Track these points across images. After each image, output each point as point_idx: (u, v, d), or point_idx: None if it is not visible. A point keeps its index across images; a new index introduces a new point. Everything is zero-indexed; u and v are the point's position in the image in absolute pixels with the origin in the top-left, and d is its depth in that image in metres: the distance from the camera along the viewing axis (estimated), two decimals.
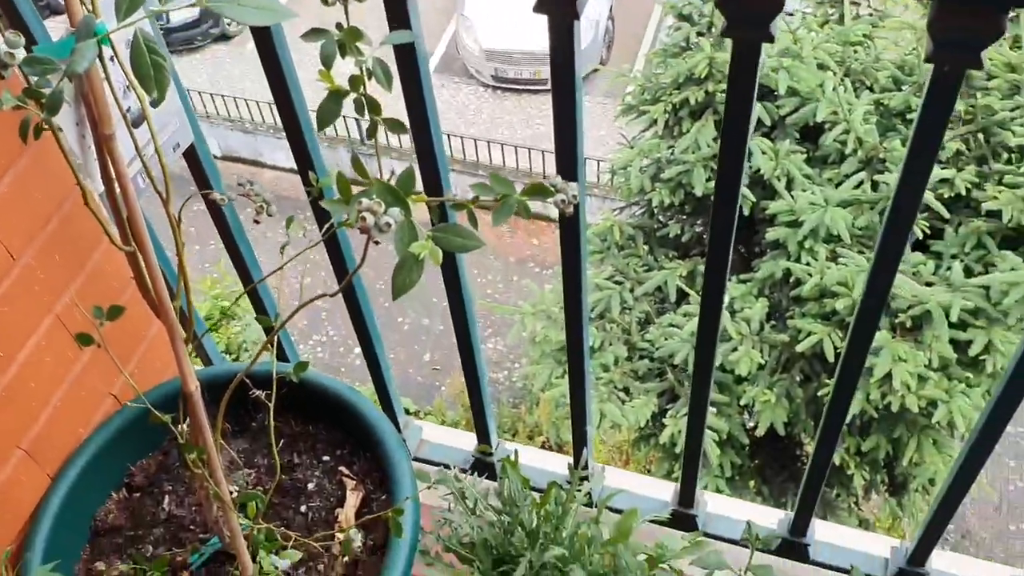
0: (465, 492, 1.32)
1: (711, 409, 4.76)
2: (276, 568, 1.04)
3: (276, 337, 1.42)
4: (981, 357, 3.85)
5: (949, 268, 3.96)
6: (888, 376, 3.88)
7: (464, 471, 1.45)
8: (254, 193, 0.78)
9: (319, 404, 1.34)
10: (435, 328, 9.10)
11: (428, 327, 9.20)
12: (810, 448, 5.04)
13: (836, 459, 4.57)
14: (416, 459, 1.59)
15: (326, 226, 0.93)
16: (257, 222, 0.79)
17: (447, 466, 1.38)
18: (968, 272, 3.98)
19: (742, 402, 4.68)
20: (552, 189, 0.68)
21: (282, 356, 1.56)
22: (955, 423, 4.07)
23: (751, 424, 4.99)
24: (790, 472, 5.25)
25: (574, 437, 1.39)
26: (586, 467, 1.33)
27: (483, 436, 1.47)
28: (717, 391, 4.82)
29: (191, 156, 1.19)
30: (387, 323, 9.23)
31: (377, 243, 0.66)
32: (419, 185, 1.06)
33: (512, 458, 1.30)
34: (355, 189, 0.69)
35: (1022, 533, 6.51)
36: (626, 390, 5.14)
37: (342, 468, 1.31)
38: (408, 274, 0.64)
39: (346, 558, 1.22)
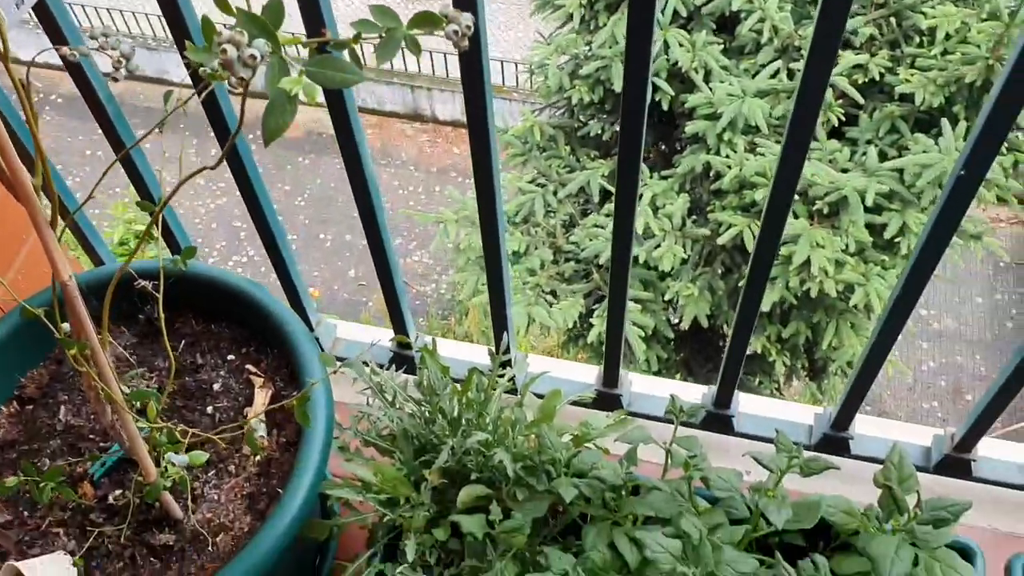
0: (383, 385, 1.27)
1: (635, 306, 4.80)
2: (175, 466, 0.98)
3: (164, 227, 1.32)
4: (896, 240, 3.93)
5: (864, 153, 4.00)
6: (807, 263, 3.94)
7: (382, 367, 1.39)
8: (111, 46, 0.69)
9: (221, 302, 1.27)
10: (358, 244, 8.95)
11: (351, 243, 9.05)
12: None
13: (757, 347, 4.67)
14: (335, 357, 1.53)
15: (200, 86, 0.84)
16: (115, 79, 0.70)
17: (364, 363, 1.32)
18: (883, 156, 4.03)
19: (666, 297, 4.72)
20: (443, 18, 0.61)
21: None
22: (872, 306, 4.17)
23: (676, 319, 5.06)
24: (715, 363, 5.34)
25: (494, 322, 1.34)
26: (508, 351, 1.29)
27: (400, 328, 1.42)
28: (642, 288, 4.85)
29: (41, 11, 1.03)
30: (309, 240, 9.05)
31: (244, 84, 0.58)
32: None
33: (430, 347, 1.24)
34: None
35: (935, 411, 6.82)
36: (553, 293, 5.14)
37: (249, 366, 1.24)
38: (280, 116, 0.57)
39: (257, 456, 1.16)
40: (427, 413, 1.22)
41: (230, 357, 1.25)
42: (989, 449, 1.36)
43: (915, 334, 7.02)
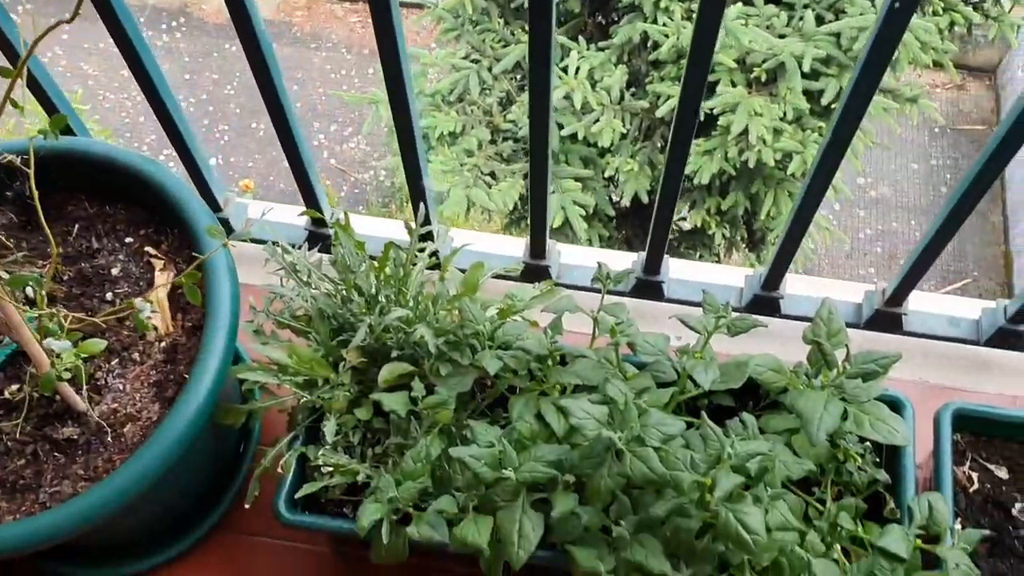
0: (296, 265, 1.20)
1: (576, 184, 4.73)
2: (54, 352, 0.91)
3: (46, 103, 1.22)
4: (832, 105, 3.89)
5: (801, 18, 3.91)
6: (744, 132, 3.90)
7: (295, 247, 1.31)
8: None
9: (116, 181, 1.18)
10: None
11: None
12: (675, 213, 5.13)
13: (697, 220, 4.67)
14: (247, 240, 1.45)
15: None
16: None
17: (275, 243, 1.25)
18: (819, 20, 3.94)
19: (607, 174, 4.66)
20: None
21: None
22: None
23: (617, 196, 5.01)
24: None
25: (411, 193, 1.27)
26: (428, 224, 1.22)
27: (311, 203, 1.34)
28: (581, 165, 4.78)
29: None
30: (241, 131, 8.73)
31: None
32: None
33: (343, 222, 1.17)
34: None
35: (871, 277, 6.96)
36: (492, 174, 5.04)
37: (148, 248, 1.16)
38: None
39: (163, 343, 1.10)
40: (343, 292, 1.16)
41: (128, 240, 1.17)
42: (919, 303, 1.35)
43: (852, 202, 7.09)
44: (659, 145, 4.67)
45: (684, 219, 5.07)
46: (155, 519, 1.21)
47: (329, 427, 1.08)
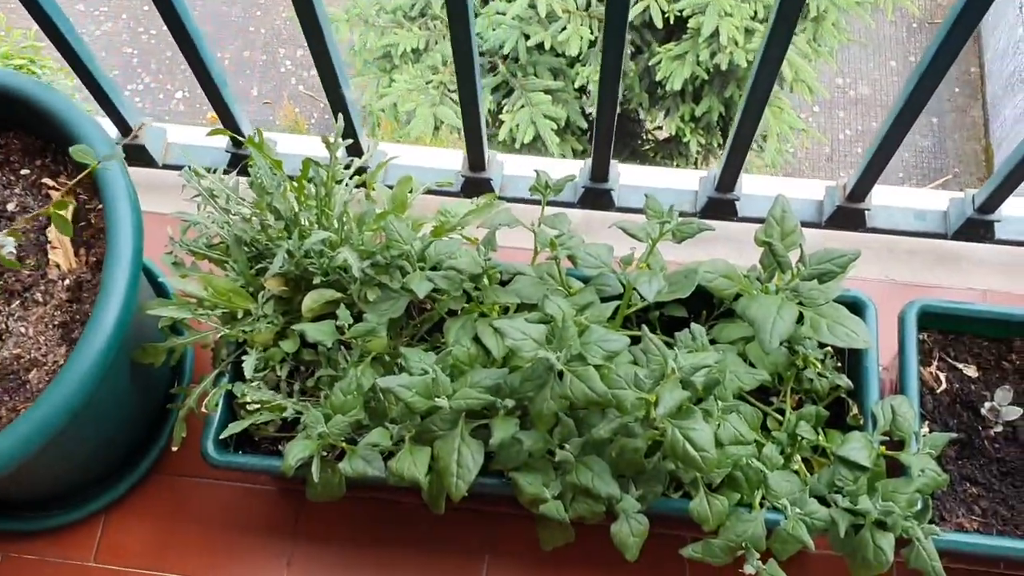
0: (214, 190, 1.11)
1: (546, 97, 4.60)
2: None
3: None
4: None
5: None
6: (715, 34, 3.76)
7: (214, 171, 1.22)
8: None
9: (7, 108, 1.07)
10: (258, 60, 8.43)
11: (250, 59, 8.52)
12: (648, 123, 5.01)
13: (671, 128, 4.55)
14: (165, 166, 1.36)
15: None
16: None
17: (191, 168, 1.16)
18: None
19: (576, 85, 4.52)
20: None
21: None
22: (783, 74, 4.04)
23: (588, 107, 4.89)
24: (631, 149, 5.23)
25: (331, 104, 1.17)
26: (354, 138, 1.13)
27: (227, 122, 1.24)
28: (551, 77, 4.63)
29: None
30: None
31: None
32: None
33: (256, 138, 1.08)
34: None
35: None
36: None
37: (46, 180, 1.07)
38: None
39: (66, 280, 1.01)
40: (261, 216, 1.08)
41: (24, 171, 1.08)
42: (883, 197, 1.28)
43: (832, 103, 6.96)
44: (629, 52, 4.52)
45: (659, 128, 4.95)
46: (80, 467, 1.14)
47: (249, 362, 1.00)
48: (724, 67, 3.91)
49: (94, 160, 0.90)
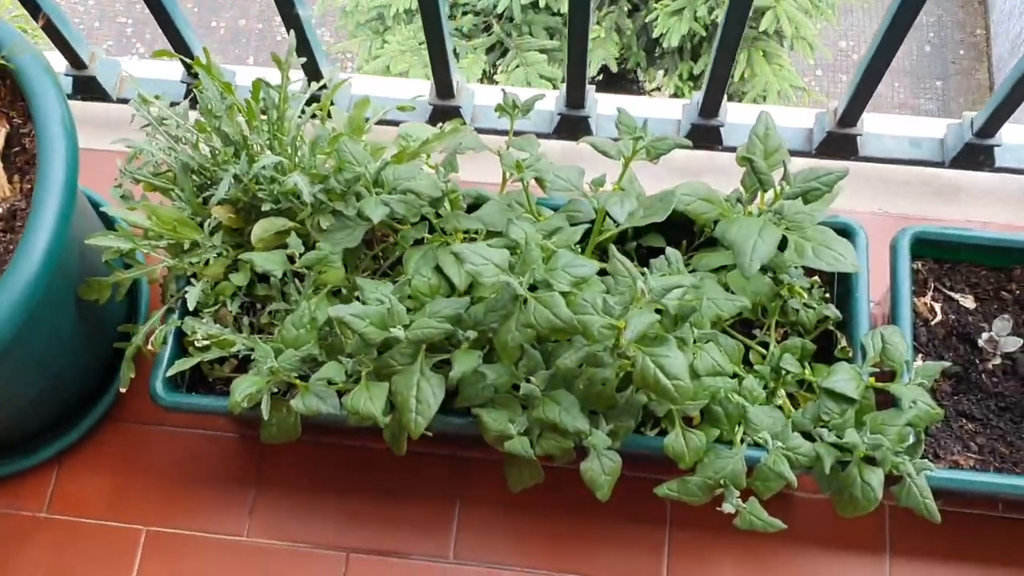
0: (164, 118, 1.04)
1: (541, 57, 4.51)
2: None
3: None
4: None
5: None
6: None
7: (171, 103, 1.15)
8: None
9: None
10: (253, 29, 8.31)
11: (246, 28, 8.40)
12: (647, 83, 4.91)
13: (670, 88, 4.46)
14: (119, 100, 1.29)
15: None
16: None
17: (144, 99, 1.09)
18: None
19: None
20: None
21: None
22: (783, 30, 3.96)
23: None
24: None
25: (283, 18, 1.09)
26: (310, 59, 1.05)
27: (181, 49, 1.16)
28: (547, 36, 4.54)
29: None
30: (202, 31, 8.37)
31: None
32: None
33: (203, 59, 1.01)
34: None
35: None
36: (454, 52, 4.80)
37: None
38: None
39: None
40: (210, 142, 1.01)
41: None
42: (877, 124, 1.21)
43: (834, 66, 6.84)
44: (626, 9, 4.42)
45: (658, 89, 4.85)
46: (26, 411, 1.09)
47: (192, 293, 0.94)
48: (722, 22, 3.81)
49: (55, 85, 0.83)
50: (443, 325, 0.87)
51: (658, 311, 0.83)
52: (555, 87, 4.49)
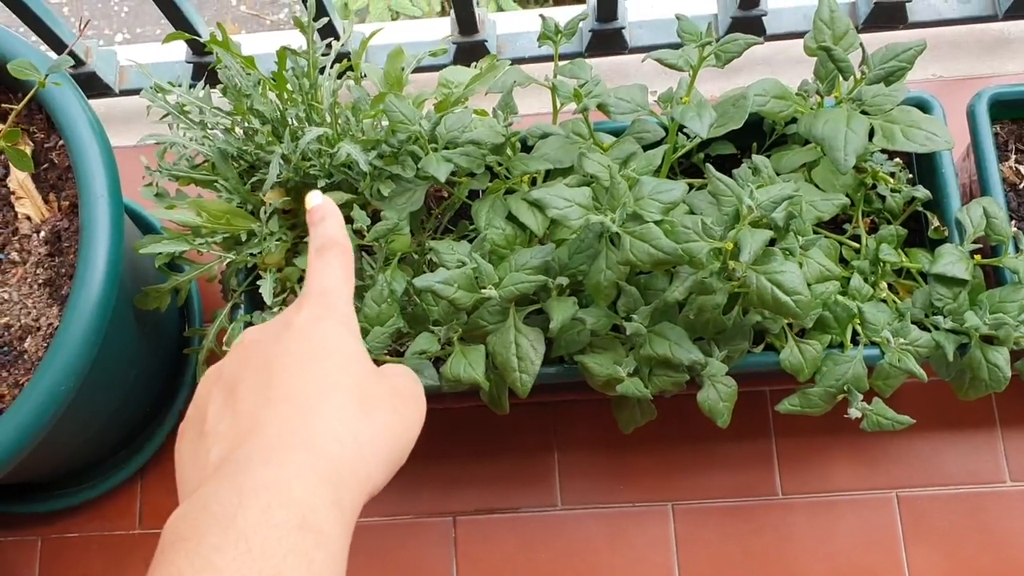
0: (184, 104, 0.97)
1: None
2: None
3: None
4: None
5: None
6: None
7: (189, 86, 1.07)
8: None
9: None
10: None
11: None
12: None
13: None
14: (123, 92, 1.21)
15: None
16: None
17: (159, 89, 1.01)
18: None
19: None
20: None
21: None
22: None
23: None
24: None
25: None
26: (324, 16, 0.98)
27: (183, 26, 1.09)
28: None
29: None
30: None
31: None
32: None
33: (219, 37, 0.94)
34: None
35: None
36: None
37: None
38: None
39: (41, 233, 0.89)
40: (243, 124, 0.94)
41: None
42: None
43: None
44: None
45: None
46: (104, 432, 1.05)
47: (266, 287, 0.89)
48: None
49: (40, 75, 0.76)
50: (535, 277, 0.83)
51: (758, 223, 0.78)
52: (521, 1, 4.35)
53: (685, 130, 0.93)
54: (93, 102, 1.23)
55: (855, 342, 0.90)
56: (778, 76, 0.95)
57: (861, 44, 0.86)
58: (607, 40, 1.15)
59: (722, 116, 0.88)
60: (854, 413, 0.86)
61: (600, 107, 0.90)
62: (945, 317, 0.87)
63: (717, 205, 0.79)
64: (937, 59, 1.19)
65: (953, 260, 0.88)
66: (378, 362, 0.87)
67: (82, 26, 0.94)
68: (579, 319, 0.86)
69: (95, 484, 1.12)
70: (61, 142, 0.90)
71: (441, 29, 1.22)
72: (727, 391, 0.86)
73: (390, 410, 0.50)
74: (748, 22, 1.13)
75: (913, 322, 0.89)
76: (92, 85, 1.18)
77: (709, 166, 0.80)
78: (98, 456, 1.12)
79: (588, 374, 0.88)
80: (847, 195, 0.96)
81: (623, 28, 1.13)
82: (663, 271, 0.86)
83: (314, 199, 0.60)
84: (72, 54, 1.15)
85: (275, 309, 0.93)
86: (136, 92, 1.19)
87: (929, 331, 0.88)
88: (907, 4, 1.11)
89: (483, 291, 0.83)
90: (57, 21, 1.09)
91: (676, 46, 0.90)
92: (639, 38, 1.16)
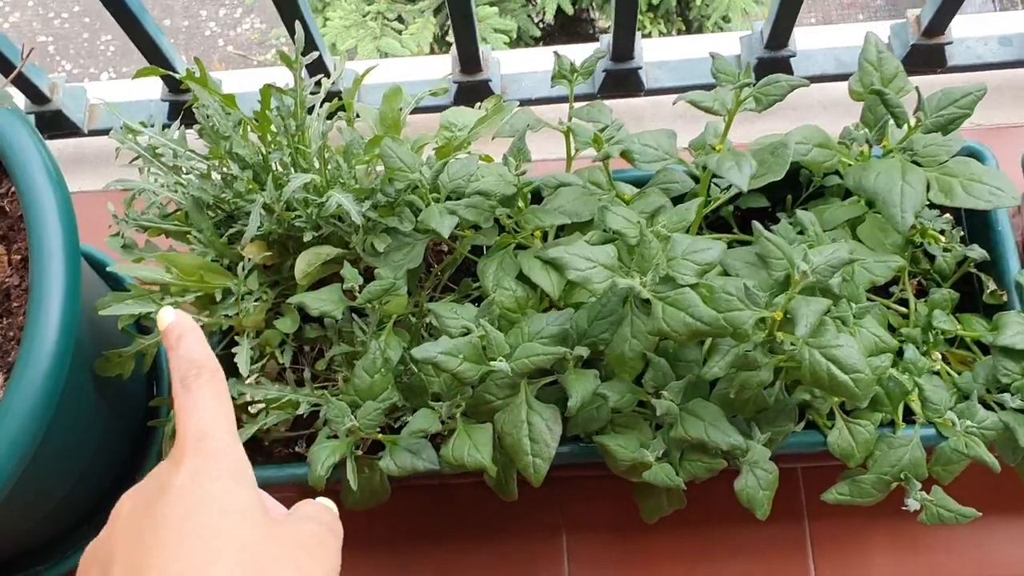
0: (156, 147, 0.87)
1: (492, 11, 4.31)
2: None
3: None
4: None
5: None
6: None
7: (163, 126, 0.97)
8: None
9: None
10: (180, 26, 7.98)
11: (172, 27, 8.05)
12: (602, 22, 4.73)
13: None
14: (92, 132, 1.11)
15: None
16: None
17: (129, 128, 0.91)
18: None
19: None
20: None
21: None
22: None
23: (538, 15, 4.60)
24: None
25: (280, 10, 0.92)
26: (314, 51, 0.88)
27: (159, 61, 0.99)
28: None
29: None
30: (120, 35, 8.00)
31: None
32: None
33: (197, 73, 0.84)
34: None
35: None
36: (399, 19, 4.58)
37: None
38: None
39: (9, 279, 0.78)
40: (221, 168, 0.84)
41: None
42: (964, 27, 1.06)
43: None
44: None
45: (606, 30, 4.66)
46: (62, 509, 0.93)
47: (242, 353, 0.78)
48: None
49: (9, 103, 0.66)
50: (553, 348, 0.72)
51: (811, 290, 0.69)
52: (511, 39, 4.30)
53: (715, 180, 0.84)
54: (61, 143, 1.13)
55: (907, 420, 0.80)
56: (804, 121, 0.86)
57: (917, 88, 0.77)
58: (622, 81, 1.06)
59: (761, 165, 0.78)
60: (913, 505, 0.76)
61: (624, 155, 0.81)
62: (1013, 395, 0.77)
63: (762, 267, 0.69)
64: (979, 106, 1.10)
65: (1021, 330, 0.78)
66: (291, 502, 0.71)
67: (25, 54, 0.83)
68: (600, 395, 0.75)
69: (57, 562, 1.00)
70: (13, 188, 0.79)
71: (440, 67, 1.13)
72: (768, 478, 0.76)
73: (291, 570, 0.44)
74: (776, 63, 1.04)
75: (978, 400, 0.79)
76: (59, 124, 1.08)
77: (757, 224, 0.70)
78: (60, 532, 1.00)
79: (610, 458, 0.77)
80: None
81: (639, 68, 1.04)
82: (696, 343, 0.76)
83: (166, 316, 0.53)
84: (36, 91, 1.05)
85: (248, 380, 0.82)
86: (106, 132, 1.09)
87: (993, 410, 0.78)
88: (947, 47, 1.03)
89: (492, 363, 0.72)
90: (26, 64, 0.99)
91: (697, 87, 0.81)
92: (657, 79, 1.07)
